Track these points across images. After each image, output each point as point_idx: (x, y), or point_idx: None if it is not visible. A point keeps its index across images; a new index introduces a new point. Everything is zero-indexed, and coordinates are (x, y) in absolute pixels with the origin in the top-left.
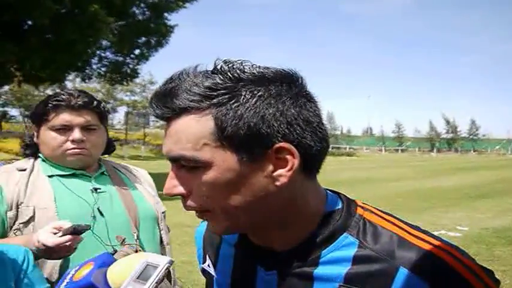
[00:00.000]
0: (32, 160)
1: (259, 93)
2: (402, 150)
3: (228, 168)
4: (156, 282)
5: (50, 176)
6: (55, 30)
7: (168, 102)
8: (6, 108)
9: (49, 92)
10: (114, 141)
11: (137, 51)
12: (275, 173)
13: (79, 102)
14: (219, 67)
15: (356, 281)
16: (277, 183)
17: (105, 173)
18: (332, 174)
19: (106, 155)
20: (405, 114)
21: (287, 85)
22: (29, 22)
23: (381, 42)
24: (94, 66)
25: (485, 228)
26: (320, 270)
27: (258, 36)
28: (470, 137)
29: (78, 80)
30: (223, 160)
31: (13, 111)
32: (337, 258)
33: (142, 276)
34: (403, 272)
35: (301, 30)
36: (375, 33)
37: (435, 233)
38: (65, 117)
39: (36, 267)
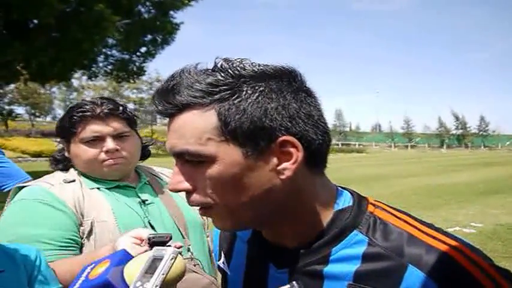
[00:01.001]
0: (73, 171)
1: (261, 89)
2: (412, 147)
3: (233, 162)
4: (163, 274)
5: (98, 189)
6: (61, 29)
7: (170, 99)
8: (12, 107)
9: (55, 90)
10: (148, 145)
11: (143, 49)
12: (279, 167)
13: (105, 111)
14: (219, 65)
15: (365, 279)
16: (282, 176)
17: (146, 182)
18: (344, 171)
19: (141, 161)
20: (414, 110)
21: (287, 80)
22: (35, 21)
23: (389, 38)
24: (100, 64)
25: (500, 224)
26: (330, 268)
27: (266, 35)
28: (480, 133)
29: (84, 77)
30: (228, 154)
31: (19, 110)
32: (347, 256)
33: (150, 270)
34: (411, 270)
35: (309, 28)
36: (383, 30)
37: (450, 230)
38: (93, 128)
39: (49, 267)
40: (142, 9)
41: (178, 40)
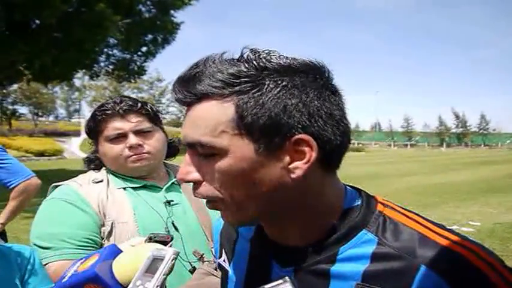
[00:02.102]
0: (104, 171)
1: (283, 83)
2: (411, 145)
3: (244, 157)
4: (164, 274)
5: (123, 189)
6: (63, 29)
7: (190, 87)
8: (15, 106)
9: (57, 89)
10: (174, 142)
11: (144, 49)
12: (291, 165)
13: (124, 107)
14: (245, 55)
15: (374, 279)
16: (293, 175)
17: (175, 182)
18: (342, 170)
19: (171, 159)
20: (414, 108)
21: (312, 76)
22: (38, 22)
23: (389, 37)
24: (102, 64)
25: (498, 223)
26: (337, 268)
27: (266, 34)
28: (480, 131)
29: (86, 77)
30: (240, 149)
31: (22, 109)
32: (355, 256)
33: (150, 270)
34: (424, 271)
35: (309, 27)
36: (384, 29)
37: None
38: (115, 125)
39: (43, 267)
40: (143, 9)
41: (180, 40)
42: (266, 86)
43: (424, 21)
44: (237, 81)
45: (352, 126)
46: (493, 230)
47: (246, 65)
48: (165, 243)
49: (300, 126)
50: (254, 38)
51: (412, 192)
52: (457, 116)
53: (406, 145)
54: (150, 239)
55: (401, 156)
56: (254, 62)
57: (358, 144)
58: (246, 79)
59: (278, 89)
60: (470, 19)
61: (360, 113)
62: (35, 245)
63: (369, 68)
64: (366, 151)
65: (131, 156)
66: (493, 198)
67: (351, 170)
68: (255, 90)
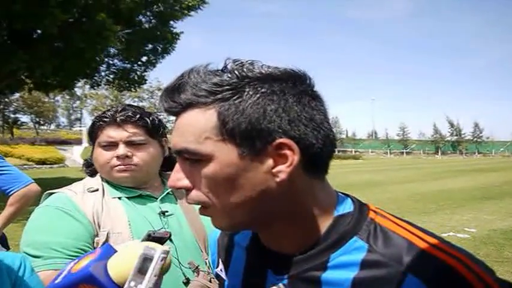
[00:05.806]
0: (99, 180)
1: (262, 90)
2: (407, 153)
3: (228, 162)
4: (155, 276)
5: (119, 198)
6: (64, 39)
7: (175, 97)
8: (17, 115)
9: (59, 98)
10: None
11: (144, 58)
12: (275, 169)
13: (121, 117)
14: (228, 66)
15: (362, 286)
16: (277, 179)
17: (170, 192)
18: (340, 177)
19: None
20: (409, 117)
21: (291, 83)
22: (39, 31)
23: (384, 46)
24: (102, 73)
25: (493, 229)
26: (328, 275)
27: (264, 43)
28: (474, 139)
29: (87, 86)
30: (224, 154)
31: (24, 118)
32: (346, 263)
33: (142, 270)
34: (410, 279)
35: (307, 36)
36: (379, 38)
37: (444, 235)
38: (109, 133)
39: (34, 273)
40: (143, 19)
41: (180, 49)
42: (246, 93)
43: (419, 32)
44: (219, 89)
45: (350, 134)
46: (489, 237)
47: (229, 75)
48: (163, 239)
49: (280, 130)
50: (250, 46)
51: (411, 199)
52: (451, 124)
53: (402, 153)
54: (149, 236)
55: (398, 163)
56: (236, 72)
57: (355, 152)
58: (227, 87)
59: (257, 96)
60: (464, 28)
61: (357, 121)
62: (25, 253)
63: (364, 77)
64: (363, 158)
65: (118, 165)
66: (489, 205)
67: (350, 178)
68: (236, 97)
